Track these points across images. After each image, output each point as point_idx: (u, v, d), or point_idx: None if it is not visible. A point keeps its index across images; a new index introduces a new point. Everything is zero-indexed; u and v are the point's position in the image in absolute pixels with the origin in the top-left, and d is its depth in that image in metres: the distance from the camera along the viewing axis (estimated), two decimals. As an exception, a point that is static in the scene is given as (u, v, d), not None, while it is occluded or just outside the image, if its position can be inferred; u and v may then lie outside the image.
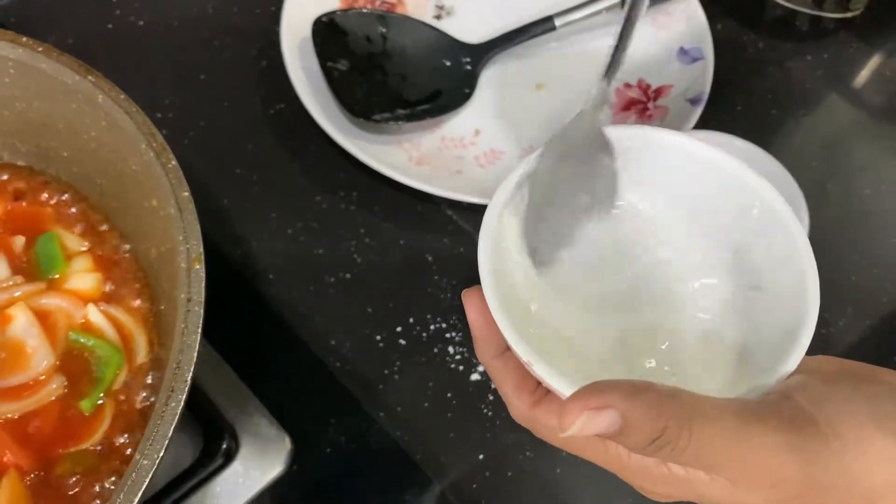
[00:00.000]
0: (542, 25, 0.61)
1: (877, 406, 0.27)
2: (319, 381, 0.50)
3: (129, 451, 0.38)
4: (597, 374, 0.29)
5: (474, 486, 0.47)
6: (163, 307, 0.41)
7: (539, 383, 0.32)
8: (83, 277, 0.42)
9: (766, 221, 0.32)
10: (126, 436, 0.39)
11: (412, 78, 0.60)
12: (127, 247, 0.44)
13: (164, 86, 0.60)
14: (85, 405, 0.40)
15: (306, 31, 0.58)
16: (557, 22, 0.61)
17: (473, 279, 0.31)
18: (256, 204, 0.56)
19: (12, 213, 0.44)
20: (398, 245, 0.55)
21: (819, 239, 0.51)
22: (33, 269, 0.43)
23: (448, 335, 0.52)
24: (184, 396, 0.32)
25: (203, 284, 0.34)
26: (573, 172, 0.33)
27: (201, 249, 0.35)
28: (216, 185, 0.57)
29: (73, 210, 0.44)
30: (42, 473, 0.38)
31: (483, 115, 0.60)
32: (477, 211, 0.55)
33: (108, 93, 0.39)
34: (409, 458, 0.48)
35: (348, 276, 0.54)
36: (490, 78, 0.61)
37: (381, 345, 0.51)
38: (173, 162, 0.37)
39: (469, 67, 0.60)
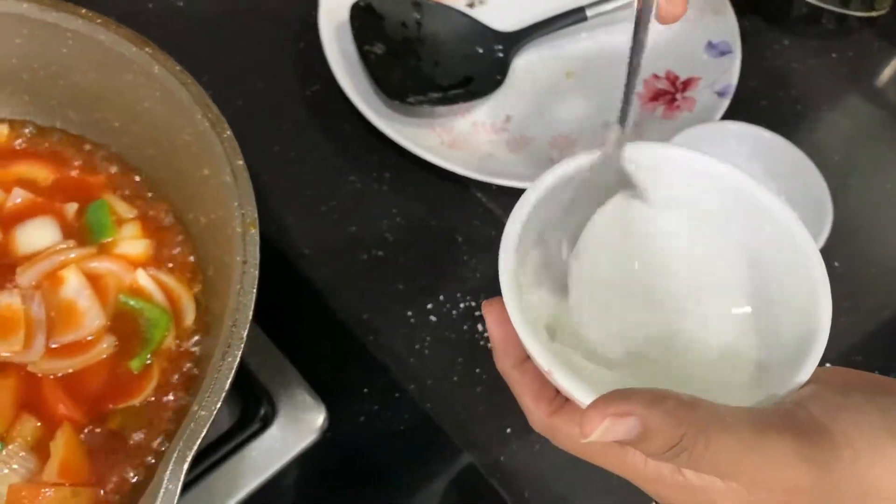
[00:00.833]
0: (574, 16, 0.62)
1: (890, 416, 0.28)
2: (352, 354, 0.51)
3: (177, 409, 0.40)
4: (615, 382, 0.30)
5: (502, 458, 0.49)
6: (211, 272, 0.42)
7: (557, 392, 0.32)
8: (132, 243, 0.44)
9: (778, 236, 0.33)
10: (172, 394, 0.41)
11: (445, 63, 0.61)
12: (174, 215, 0.45)
13: (202, 66, 0.61)
14: (134, 364, 0.41)
15: (343, 15, 0.60)
16: (589, 13, 0.62)
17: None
18: (292, 182, 0.57)
19: (65, 180, 0.46)
20: (429, 225, 0.57)
21: (841, 232, 0.53)
22: (85, 234, 0.44)
23: (477, 313, 0.53)
24: (239, 352, 0.34)
25: (258, 247, 0.35)
26: (592, 204, 0.34)
27: (255, 215, 0.36)
28: (253, 162, 0.57)
29: (124, 179, 0.46)
30: (95, 427, 0.39)
31: (514, 102, 0.61)
32: (506, 194, 0.57)
33: (164, 64, 0.41)
34: (439, 429, 0.49)
35: (380, 253, 0.55)
36: (521, 65, 0.63)
37: (412, 320, 0.53)
38: (228, 132, 0.39)
39: (501, 55, 0.62)
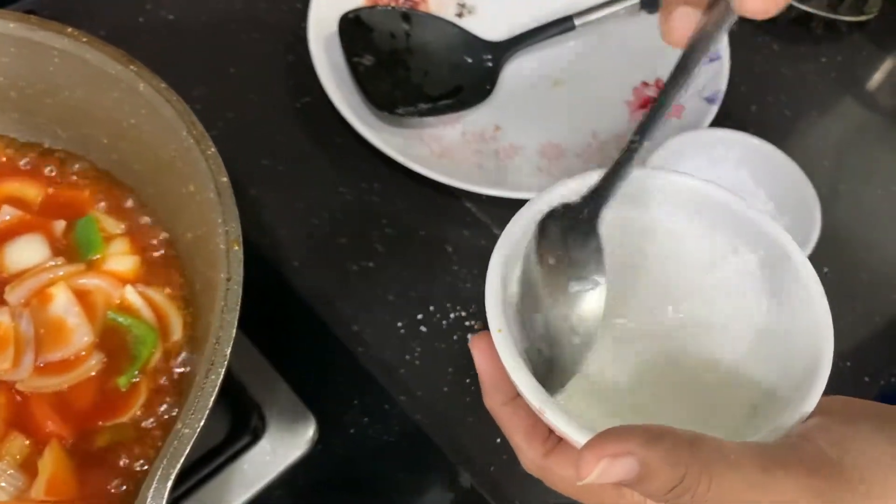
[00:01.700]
0: (562, 25, 0.62)
1: None
2: (342, 365, 0.52)
3: (165, 425, 0.40)
4: (613, 410, 0.30)
5: (492, 468, 0.49)
6: (198, 288, 0.43)
7: (550, 431, 0.31)
8: (121, 259, 0.44)
9: (778, 261, 0.32)
10: (160, 411, 0.41)
11: (434, 73, 0.61)
12: (162, 230, 0.46)
13: (193, 79, 0.61)
14: (122, 381, 0.41)
15: (332, 27, 0.60)
16: (577, 22, 0.62)
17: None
18: (283, 194, 0.58)
19: (53, 197, 0.46)
20: (419, 235, 0.57)
21: (830, 238, 0.53)
22: (73, 251, 0.45)
23: (467, 323, 0.53)
24: (223, 370, 0.34)
25: (241, 265, 0.36)
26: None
27: (240, 232, 0.36)
28: (244, 175, 0.58)
29: (112, 195, 0.46)
30: (83, 445, 0.39)
31: (503, 111, 0.61)
32: (496, 203, 0.57)
33: (149, 82, 0.41)
34: (429, 440, 0.49)
35: (370, 264, 0.55)
36: (510, 75, 0.63)
37: (402, 331, 0.53)
38: (212, 149, 0.39)
39: (490, 64, 0.62)
